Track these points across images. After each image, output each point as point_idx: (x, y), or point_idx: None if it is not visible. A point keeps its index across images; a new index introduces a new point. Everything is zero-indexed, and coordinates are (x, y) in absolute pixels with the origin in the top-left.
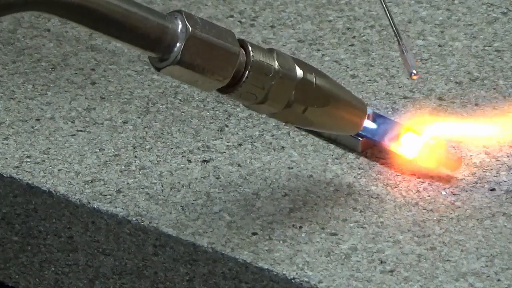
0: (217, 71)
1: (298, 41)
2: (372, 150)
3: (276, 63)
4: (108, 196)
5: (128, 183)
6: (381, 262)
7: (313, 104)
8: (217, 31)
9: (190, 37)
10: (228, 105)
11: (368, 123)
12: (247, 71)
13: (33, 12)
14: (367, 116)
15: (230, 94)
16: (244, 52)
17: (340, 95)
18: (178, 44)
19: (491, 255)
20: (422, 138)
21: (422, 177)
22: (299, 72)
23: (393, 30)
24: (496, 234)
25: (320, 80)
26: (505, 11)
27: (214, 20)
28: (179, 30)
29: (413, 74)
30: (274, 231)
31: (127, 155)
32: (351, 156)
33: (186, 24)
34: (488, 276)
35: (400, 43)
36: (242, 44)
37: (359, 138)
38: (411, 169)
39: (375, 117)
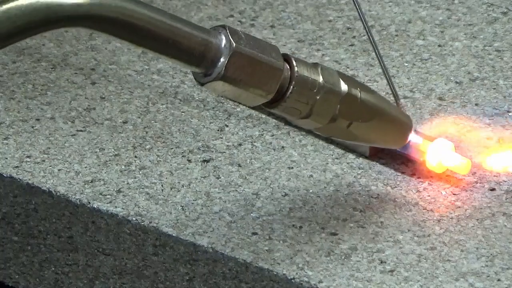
0: (261, 86)
1: (298, 41)
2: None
3: (321, 78)
4: (108, 196)
5: (128, 183)
6: (381, 262)
7: (358, 119)
8: (261, 46)
9: (234, 53)
10: (228, 105)
11: (414, 138)
12: (292, 86)
13: None
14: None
15: (274, 109)
16: (288, 67)
17: (385, 110)
18: (222, 60)
19: (491, 255)
20: (430, 141)
21: (422, 177)
22: (344, 87)
23: (391, 89)
24: (496, 234)
25: (365, 94)
26: (505, 11)
27: (214, 20)
28: (223, 45)
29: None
30: (274, 231)
31: (127, 155)
32: (351, 156)
33: (230, 39)
34: (488, 276)
35: (398, 102)
36: (287, 58)
37: None
38: (421, 172)
39: None
